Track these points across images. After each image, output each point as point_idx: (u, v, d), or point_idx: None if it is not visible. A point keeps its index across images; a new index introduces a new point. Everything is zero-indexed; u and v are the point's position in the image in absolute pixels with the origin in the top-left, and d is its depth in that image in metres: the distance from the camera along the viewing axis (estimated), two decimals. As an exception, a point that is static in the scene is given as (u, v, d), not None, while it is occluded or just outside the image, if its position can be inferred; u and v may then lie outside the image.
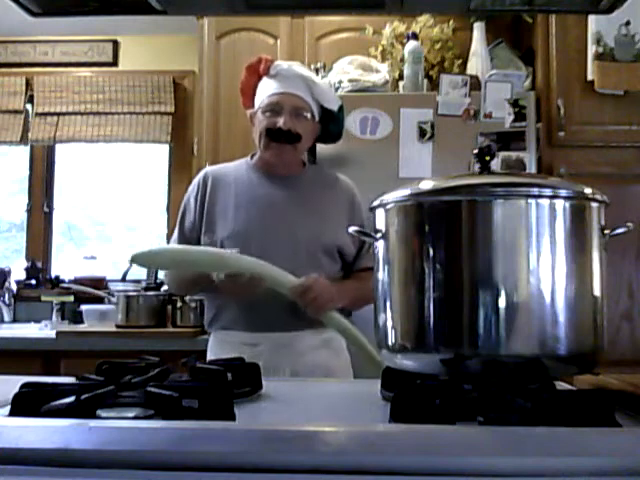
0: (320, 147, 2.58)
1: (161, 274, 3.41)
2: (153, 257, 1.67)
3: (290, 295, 1.63)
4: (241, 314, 1.79)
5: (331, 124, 1.92)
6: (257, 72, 1.87)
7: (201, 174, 1.93)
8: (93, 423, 0.76)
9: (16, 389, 0.90)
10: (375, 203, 1.06)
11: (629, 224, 1.02)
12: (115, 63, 3.67)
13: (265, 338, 1.75)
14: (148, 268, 1.69)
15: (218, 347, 1.82)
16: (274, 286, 1.63)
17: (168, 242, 2.02)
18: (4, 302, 3.39)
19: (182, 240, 1.88)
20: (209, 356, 1.83)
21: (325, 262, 1.80)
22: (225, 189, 1.87)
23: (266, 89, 1.85)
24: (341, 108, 1.92)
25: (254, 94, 1.89)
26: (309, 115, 1.84)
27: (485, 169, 1.03)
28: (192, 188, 1.92)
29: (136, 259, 1.63)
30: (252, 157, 1.95)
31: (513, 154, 2.64)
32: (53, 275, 3.56)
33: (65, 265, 3.68)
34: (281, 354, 1.73)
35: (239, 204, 1.83)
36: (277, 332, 1.75)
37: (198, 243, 1.84)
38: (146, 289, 3.22)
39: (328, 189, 1.90)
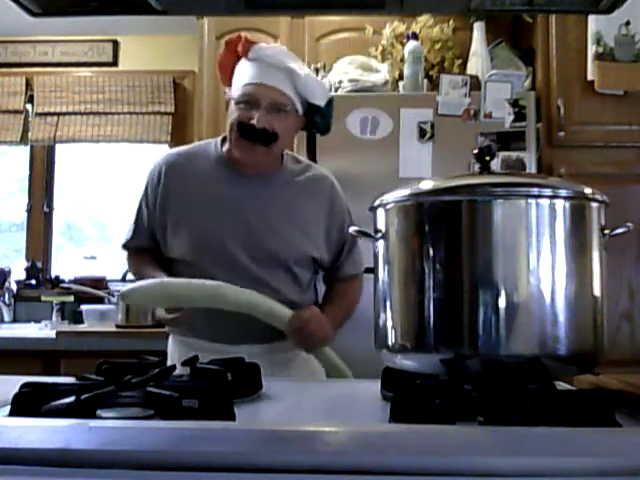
0: (320, 147, 2.58)
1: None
2: (145, 294, 1.55)
3: (285, 330, 1.54)
4: (206, 324, 1.63)
5: (317, 117, 1.70)
6: (236, 51, 1.66)
7: (156, 164, 1.78)
8: (93, 423, 0.76)
9: (16, 389, 0.90)
10: (375, 203, 1.06)
11: (629, 224, 1.02)
12: (115, 63, 3.67)
13: (234, 350, 1.52)
14: (141, 303, 1.55)
15: (179, 352, 1.67)
16: (269, 320, 1.53)
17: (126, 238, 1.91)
18: (4, 302, 3.39)
19: (138, 232, 1.80)
20: (170, 361, 1.60)
21: (298, 271, 1.67)
22: (185, 183, 1.70)
23: (243, 75, 1.63)
24: (330, 102, 1.70)
25: (232, 73, 1.68)
26: (290, 110, 1.62)
27: (485, 169, 1.03)
28: (153, 175, 1.77)
29: (127, 297, 1.53)
30: (223, 142, 1.73)
31: (513, 154, 2.64)
32: (53, 275, 3.56)
33: (65, 265, 3.68)
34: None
35: (200, 205, 1.66)
36: (248, 344, 1.59)
37: (152, 236, 1.75)
38: (146, 289, 3.21)
39: (305, 190, 1.71)
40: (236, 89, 1.64)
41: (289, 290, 1.66)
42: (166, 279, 1.60)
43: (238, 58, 1.66)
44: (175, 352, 1.71)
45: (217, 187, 1.67)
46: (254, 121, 1.58)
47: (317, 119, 1.71)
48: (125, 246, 1.88)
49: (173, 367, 1.13)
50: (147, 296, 1.57)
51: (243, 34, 1.68)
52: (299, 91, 1.62)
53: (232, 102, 1.65)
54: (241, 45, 1.64)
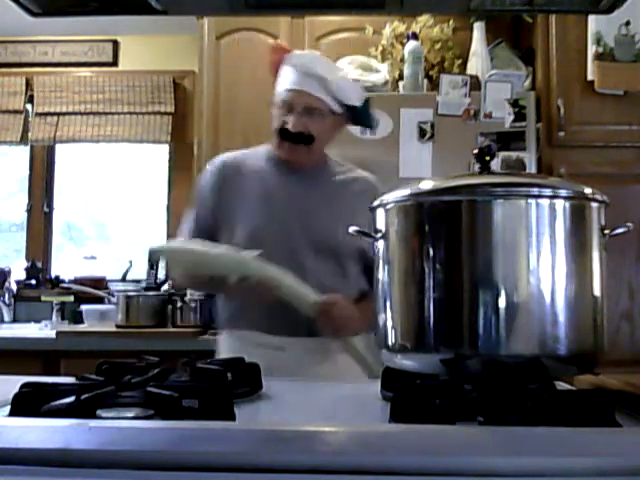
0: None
1: (163, 272, 3.41)
2: (172, 254, 1.58)
3: (308, 311, 1.56)
4: (264, 316, 1.69)
5: (357, 117, 1.80)
6: (277, 58, 1.81)
7: (215, 162, 1.84)
8: (93, 423, 0.76)
9: (16, 389, 0.90)
10: (375, 203, 1.06)
11: (629, 224, 1.02)
12: (115, 63, 3.67)
13: (291, 342, 1.66)
14: (164, 262, 1.56)
15: (233, 348, 1.70)
16: (291, 298, 1.56)
17: (179, 233, 1.89)
18: (4, 302, 3.39)
19: (196, 230, 1.78)
20: (225, 355, 1.70)
21: (346, 262, 1.72)
22: (241, 180, 1.78)
23: (284, 80, 1.76)
24: (366, 102, 1.79)
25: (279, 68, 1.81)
26: (325, 112, 1.72)
27: (485, 169, 1.03)
28: (207, 176, 1.83)
29: (154, 253, 1.55)
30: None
31: (513, 154, 2.65)
32: (53, 275, 3.56)
33: (65, 265, 3.68)
34: (306, 360, 1.64)
35: (255, 199, 1.75)
36: (303, 337, 1.65)
37: (212, 234, 1.74)
38: (146, 289, 3.22)
39: (351, 189, 1.80)
40: (277, 94, 1.77)
41: (336, 282, 1.70)
42: (192, 244, 1.65)
43: (282, 62, 1.79)
44: (231, 348, 1.73)
45: (269, 182, 1.77)
46: (289, 126, 1.71)
47: (359, 119, 1.82)
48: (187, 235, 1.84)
49: (173, 367, 1.13)
50: (173, 256, 1.60)
51: (280, 45, 1.84)
52: (332, 93, 1.72)
53: (274, 107, 1.77)
54: (279, 55, 1.80)
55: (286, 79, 1.75)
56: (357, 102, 1.76)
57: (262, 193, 1.75)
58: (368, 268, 1.68)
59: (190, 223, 1.82)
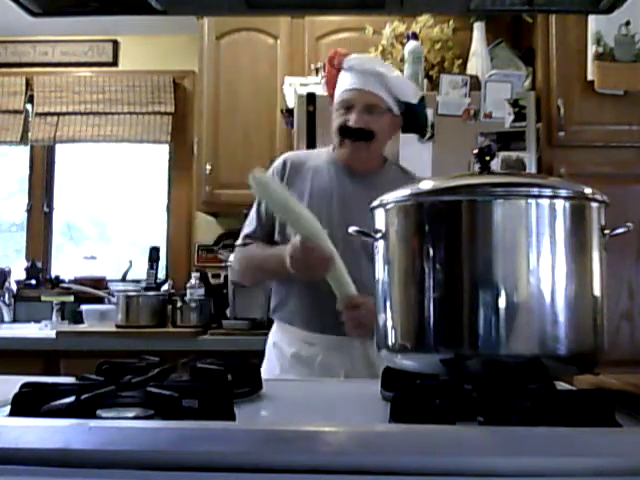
0: (320, 147, 2.58)
1: (163, 272, 3.41)
2: (270, 189, 1.61)
3: (339, 301, 1.62)
4: (300, 310, 1.78)
5: (413, 116, 1.87)
6: (334, 66, 1.86)
7: (280, 159, 1.89)
8: (93, 423, 0.76)
9: (16, 389, 0.90)
10: (375, 203, 1.07)
11: (629, 224, 1.02)
12: (115, 63, 3.67)
13: (320, 339, 1.74)
14: (258, 193, 1.59)
15: (280, 336, 1.83)
16: (336, 283, 1.61)
17: (241, 230, 1.94)
18: (4, 302, 3.39)
19: (261, 228, 1.86)
20: (271, 341, 1.86)
21: None
22: (302, 178, 1.84)
23: (341, 84, 1.83)
24: (422, 100, 1.87)
25: (335, 86, 1.87)
26: (384, 110, 1.79)
27: (485, 169, 1.03)
28: (269, 174, 1.86)
29: (254, 180, 1.56)
30: (334, 148, 1.90)
31: (513, 154, 2.65)
32: (53, 275, 3.56)
33: (65, 265, 3.68)
34: (335, 357, 1.72)
35: (313, 197, 1.80)
36: (331, 334, 1.72)
37: (270, 232, 1.83)
38: (146, 289, 3.22)
39: None
40: (336, 97, 1.84)
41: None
42: (286, 192, 1.66)
43: (338, 71, 1.85)
44: (278, 335, 1.84)
45: (328, 183, 1.82)
46: (350, 122, 1.77)
47: (412, 119, 1.87)
48: (248, 236, 1.90)
49: (173, 367, 1.13)
50: (269, 192, 1.61)
51: (338, 50, 1.87)
52: (390, 91, 1.79)
53: (333, 110, 1.84)
54: (336, 60, 1.84)
55: (344, 81, 1.82)
56: (414, 99, 1.83)
57: (319, 193, 1.81)
58: None
59: (252, 220, 1.88)
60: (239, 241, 1.92)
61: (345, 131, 1.78)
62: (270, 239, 1.84)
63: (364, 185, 1.79)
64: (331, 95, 1.90)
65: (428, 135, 2.66)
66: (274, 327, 1.88)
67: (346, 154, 1.82)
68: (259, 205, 1.87)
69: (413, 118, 1.88)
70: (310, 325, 1.76)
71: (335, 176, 1.84)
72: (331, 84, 1.89)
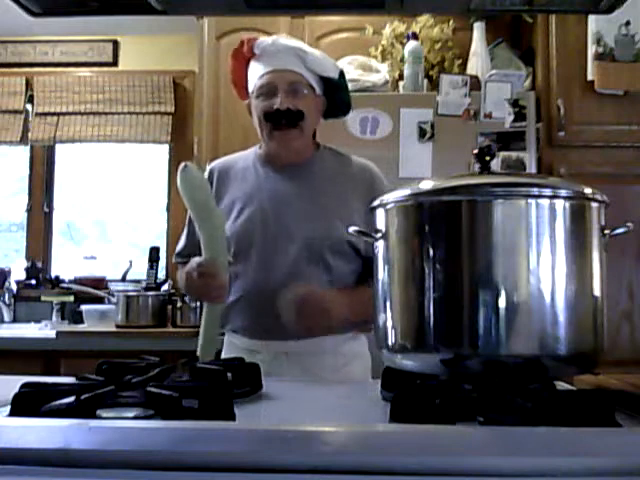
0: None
1: (163, 272, 3.41)
2: (194, 185, 1.54)
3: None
4: (240, 317, 1.66)
5: (336, 94, 1.73)
6: (243, 56, 1.71)
7: (207, 170, 1.79)
8: (93, 423, 0.76)
9: (16, 389, 0.90)
10: (375, 203, 1.06)
11: (629, 224, 1.02)
12: (115, 63, 3.67)
13: (264, 346, 1.62)
14: (181, 186, 1.52)
15: (225, 348, 1.73)
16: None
17: (176, 245, 1.86)
18: (4, 302, 3.39)
19: (189, 241, 1.77)
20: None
21: (335, 263, 1.63)
22: (230, 185, 1.73)
23: (255, 72, 1.68)
24: (342, 74, 1.73)
25: (247, 83, 1.73)
26: (307, 88, 1.65)
27: (485, 169, 1.03)
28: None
29: (182, 172, 1.51)
30: (260, 145, 1.78)
31: (513, 154, 2.65)
32: (53, 275, 3.56)
33: (65, 265, 3.68)
34: (282, 364, 1.60)
35: (242, 202, 1.69)
36: (275, 340, 1.61)
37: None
38: (146, 289, 3.22)
39: (341, 176, 1.70)
40: (252, 86, 1.68)
41: (322, 284, 1.61)
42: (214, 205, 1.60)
43: (247, 63, 1.72)
44: (226, 350, 1.72)
45: (257, 185, 1.70)
46: (277, 105, 1.61)
47: (336, 97, 1.73)
48: (178, 254, 1.83)
49: (173, 367, 1.13)
50: (195, 183, 1.54)
51: (244, 37, 1.73)
52: (310, 67, 1.66)
53: (252, 100, 1.69)
54: (245, 46, 1.70)
55: (258, 67, 1.67)
56: (334, 74, 1.70)
57: (249, 197, 1.69)
58: (364, 266, 1.65)
59: (182, 236, 1.82)
60: (173, 259, 1.86)
61: (272, 116, 1.62)
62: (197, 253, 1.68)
63: (297, 177, 1.69)
64: (240, 91, 1.77)
65: (428, 135, 2.66)
66: (224, 342, 1.75)
67: (276, 145, 1.67)
68: (190, 220, 1.76)
69: (336, 95, 1.73)
70: (252, 332, 1.64)
71: (263, 175, 1.71)
72: (240, 83, 1.75)
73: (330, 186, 1.69)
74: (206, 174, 1.77)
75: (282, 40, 1.69)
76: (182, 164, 1.53)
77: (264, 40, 1.68)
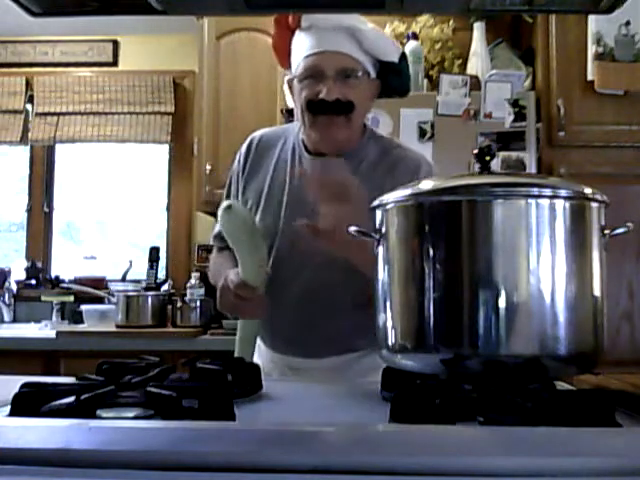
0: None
1: (163, 272, 3.41)
2: (239, 219, 1.44)
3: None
4: (267, 330, 1.56)
5: (393, 78, 1.52)
6: (287, 25, 1.51)
7: (246, 142, 1.63)
8: (93, 423, 0.76)
9: (16, 389, 0.90)
10: (375, 203, 1.06)
11: (629, 224, 1.02)
12: (115, 63, 3.67)
13: (283, 360, 1.54)
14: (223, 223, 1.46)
15: (256, 355, 1.58)
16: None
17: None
18: (4, 302, 3.39)
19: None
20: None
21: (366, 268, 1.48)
22: (267, 164, 1.57)
23: (301, 48, 1.47)
24: (403, 57, 1.52)
25: (289, 52, 1.52)
26: (361, 74, 1.45)
27: (485, 169, 1.03)
28: (235, 162, 1.65)
29: (225, 212, 1.41)
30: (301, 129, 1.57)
31: (513, 154, 2.65)
32: (53, 275, 3.56)
33: (65, 265, 3.68)
34: (299, 378, 1.47)
35: (270, 192, 1.54)
36: (295, 357, 1.52)
37: None
38: (146, 289, 3.22)
39: (382, 167, 1.50)
40: (296, 66, 1.48)
41: (346, 287, 1.47)
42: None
43: (292, 33, 1.51)
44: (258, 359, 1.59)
45: (287, 172, 1.53)
46: (323, 94, 1.41)
47: (393, 80, 1.53)
48: (216, 237, 1.67)
49: (173, 367, 1.13)
50: (239, 220, 1.44)
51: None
52: (367, 50, 1.45)
53: (294, 82, 1.49)
54: (291, 16, 1.48)
55: (304, 43, 1.46)
56: (394, 58, 1.49)
57: (278, 183, 1.54)
58: None
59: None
60: (211, 241, 1.72)
61: (317, 106, 1.43)
62: None
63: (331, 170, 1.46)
64: (282, 65, 1.57)
65: (428, 135, 2.66)
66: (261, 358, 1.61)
67: (319, 137, 1.47)
68: (228, 194, 1.64)
69: (394, 79, 1.53)
70: (272, 345, 1.56)
71: (299, 162, 1.52)
72: (283, 51, 1.54)
73: (371, 182, 1.40)
74: (244, 147, 1.63)
75: (335, 15, 1.44)
76: (225, 203, 1.44)
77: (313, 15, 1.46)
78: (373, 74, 1.50)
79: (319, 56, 1.43)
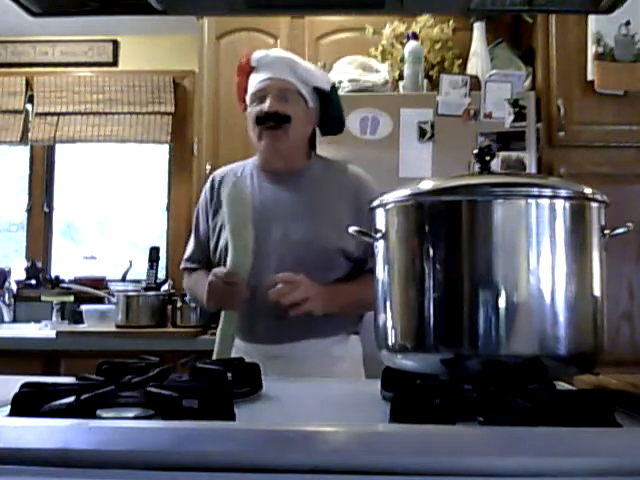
0: (320, 147, 2.58)
1: (163, 272, 3.41)
2: (241, 201, 1.65)
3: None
4: (240, 322, 1.68)
5: (328, 108, 1.82)
6: (244, 70, 1.82)
7: (209, 180, 1.89)
8: (93, 423, 0.76)
9: (16, 389, 0.90)
10: (375, 203, 1.06)
11: (629, 224, 1.02)
12: (115, 63, 3.67)
13: (258, 350, 1.67)
14: (228, 200, 1.68)
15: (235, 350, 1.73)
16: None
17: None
18: (4, 302, 3.39)
19: (198, 246, 1.87)
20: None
21: (325, 268, 1.68)
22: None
23: (252, 83, 1.79)
24: (333, 87, 1.83)
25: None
26: (297, 96, 1.75)
27: (485, 169, 1.03)
28: (202, 195, 1.89)
29: (234, 186, 1.65)
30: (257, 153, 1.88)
31: (513, 154, 2.65)
32: (53, 275, 3.56)
33: (65, 265, 3.68)
34: (273, 366, 1.54)
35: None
36: (268, 344, 1.68)
37: (209, 250, 1.82)
38: (146, 289, 3.22)
39: (333, 185, 1.79)
40: (249, 97, 1.79)
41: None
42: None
43: (248, 74, 1.81)
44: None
45: (253, 192, 1.77)
46: (265, 108, 1.72)
47: (328, 108, 1.82)
48: (188, 259, 1.93)
49: (173, 367, 1.13)
50: (242, 195, 1.66)
51: (244, 52, 1.84)
52: (300, 77, 1.76)
53: (249, 109, 1.79)
54: (244, 60, 1.80)
55: (255, 79, 1.78)
56: (326, 85, 1.80)
57: None
58: (355, 269, 1.73)
59: (190, 241, 1.91)
60: (182, 264, 1.94)
61: (261, 119, 1.73)
62: (207, 258, 1.83)
63: (288, 186, 1.77)
64: (243, 109, 1.85)
65: (428, 135, 2.67)
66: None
67: (264, 146, 1.76)
68: (197, 225, 1.88)
69: (329, 109, 1.82)
70: (244, 335, 1.71)
71: (258, 184, 1.80)
72: (243, 96, 1.84)
73: (319, 194, 1.77)
74: (208, 184, 1.88)
75: (275, 52, 1.83)
76: (233, 179, 1.72)
77: (258, 53, 1.80)
78: (310, 102, 1.79)
79: (264, 82, 1.76)
